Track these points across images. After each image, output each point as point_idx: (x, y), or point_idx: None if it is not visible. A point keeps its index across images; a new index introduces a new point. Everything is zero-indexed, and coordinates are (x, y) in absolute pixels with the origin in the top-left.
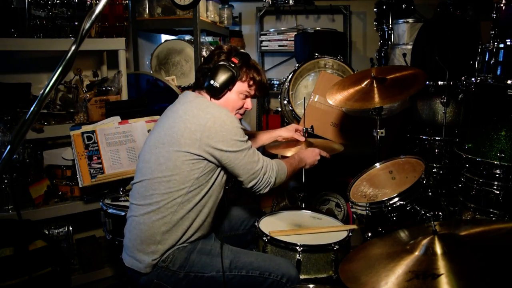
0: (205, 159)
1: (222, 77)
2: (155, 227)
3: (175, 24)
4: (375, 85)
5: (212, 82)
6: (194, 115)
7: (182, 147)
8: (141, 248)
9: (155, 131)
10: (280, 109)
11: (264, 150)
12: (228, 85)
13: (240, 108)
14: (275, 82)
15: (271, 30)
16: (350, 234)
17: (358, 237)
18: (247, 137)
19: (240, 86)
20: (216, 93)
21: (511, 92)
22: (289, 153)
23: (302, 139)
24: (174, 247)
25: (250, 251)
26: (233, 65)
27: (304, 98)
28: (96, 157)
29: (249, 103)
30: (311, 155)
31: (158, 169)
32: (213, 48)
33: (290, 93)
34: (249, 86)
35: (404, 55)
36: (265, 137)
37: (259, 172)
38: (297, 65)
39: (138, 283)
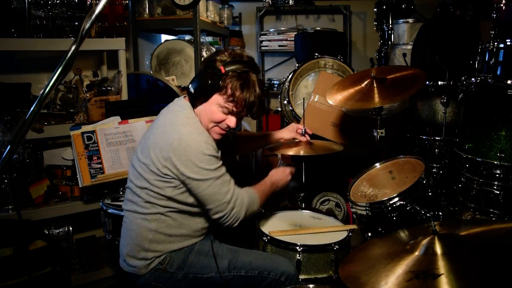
0: (173, 178)
1: (198, 83)
2: (142, 234)
3: (175, 24)
4: (375, 85)
5: (190, 86)
6: (165, 131)
7: (151, 164)
8: (132, 254)
9: (144, 136)
10: (280, 109)
11: (264, 151)
12: (202, 94)
13: (220, 122)
14: (275, 82)
15: (271, 30)
16: (350, 234)
17: (358, 237)
18: (219, 163)
19: (218, 99)
20: (193, 100)
21: (511, 92)
22: (289, 152)
23: (304, 138)
24: (166, 253)
25: (249, 250)
26: (216, 74)
27: (304, 98)
28: (96, 157)
29: (231, 121)
30: (282, 176)
31: (139, 178)
32: (214, 50)
33: (290, 93)
34: (227, 101)
35: (404, 55)
36: (268, 140)
37: (226, 206)
38: (297, 65)
39: (137, 284)
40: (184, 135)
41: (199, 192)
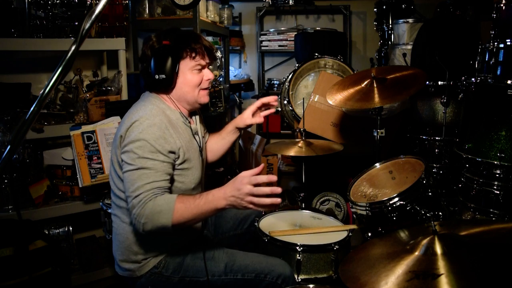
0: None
1: (162, 67)
2: (129, 237)
3: (175, 24)
4: (375, 85)
5: (156, 77)
6: (127, 121)
7: (115, 159)
8: (123, 258)
9: None
10: (280, 109)
11: (264, 151)
12: (172, 71)
13: (201, 83)
14: (275, 82)
15: (271, 30)
16: (350, 234)
17: (358, 237)
18: (153, 155)
19: (187, 64)
20: (168, 85)
21: (511, 92)
22: (290, 153)
23: (261, 119)
24: (159, 256)
25: (246, 252)
26: (168, 49)
27: (304, 98)
28: (96, 157)
29: (208, 74)
30: (237, 196)
31: (111, 177)
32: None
33: (290, 93)
34: (193, 58)
35: (404, 55)
36: (218, 138)
37: (131, 200)
38: (297, 65)
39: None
40: (142, 116)
41: (124, 174)
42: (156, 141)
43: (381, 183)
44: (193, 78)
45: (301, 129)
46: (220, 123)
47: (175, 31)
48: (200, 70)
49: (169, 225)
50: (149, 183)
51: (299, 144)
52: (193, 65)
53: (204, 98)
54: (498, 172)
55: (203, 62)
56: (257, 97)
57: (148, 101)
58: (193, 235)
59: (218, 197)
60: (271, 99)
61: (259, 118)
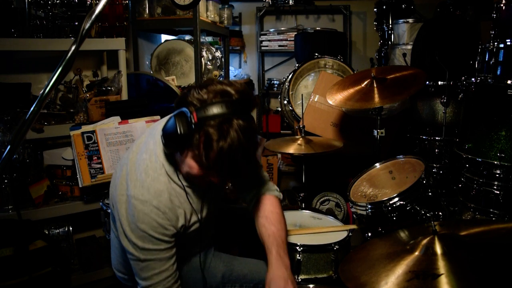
0: None
1: (167, 132)
2: (123, 251)
3: (175, 24)
4: (375, 85)
5: (161, 133)
6: (125, 180)
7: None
8: (118, 268)
9: (125, 155)
10: (280, 109)
11: (264, 151)
12: (173, 147)
13: (200, 177)
14: (275, 82)
15: (271, 30)
16: (350, 234)
17: (358, 237)
18: (153, 246)
19: (192, 157)
20: (166, 148)
21: (511, 92)
22: (289, 151)
23: None
24: None
25: (245, 258)
26: (187, 122)
27: (302, 95)
28: (96, 157)
29: (213, 178)
30: None
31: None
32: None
33: (290, 93)
34: (201, 160)
35: (404, 55)
36: (259, 225)
37: (138, 281)
38: (297, 65)
39: None
40: (136, 201)
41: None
42: (156, 230)
43: (381, 183)
44: (192, 167)
45: (301, 126)
46: None
47: (220, 115)
48: (206, 170)
49: None
50: (155, 274)
51: (299, 142)
52: (198, 161)
53: (201, 183)
54: (498, 172)
55: (209, 168)
56: (257, 97)
57: (154, 159)
58: (190, 252)
59: None
60: None
61: None
